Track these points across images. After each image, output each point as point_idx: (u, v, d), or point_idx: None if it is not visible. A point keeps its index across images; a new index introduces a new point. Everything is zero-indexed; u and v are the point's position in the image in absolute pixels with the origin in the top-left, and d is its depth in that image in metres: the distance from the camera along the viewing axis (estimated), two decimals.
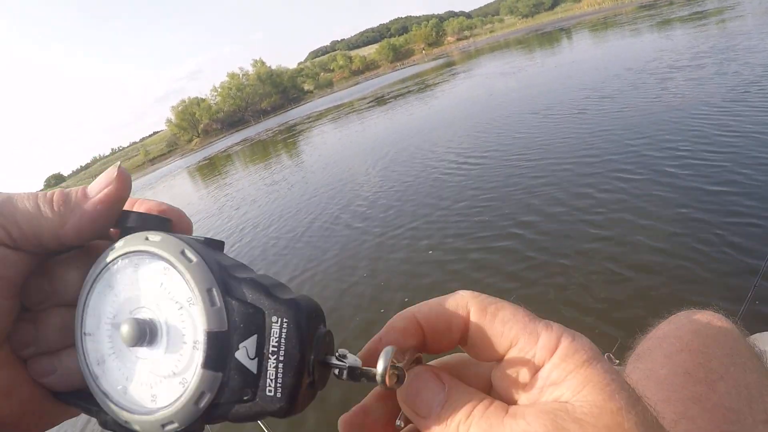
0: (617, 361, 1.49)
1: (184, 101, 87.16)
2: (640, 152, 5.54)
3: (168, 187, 27.77)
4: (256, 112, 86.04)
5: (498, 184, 6.19)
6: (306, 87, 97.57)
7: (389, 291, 4.45)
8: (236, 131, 72.29)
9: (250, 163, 22.15)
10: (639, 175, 4.96)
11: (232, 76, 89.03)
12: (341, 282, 4.96)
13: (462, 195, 6.26)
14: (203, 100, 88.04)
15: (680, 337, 0.73)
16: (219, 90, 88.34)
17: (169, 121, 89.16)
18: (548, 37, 35.31)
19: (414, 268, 4.75)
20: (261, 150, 26.76)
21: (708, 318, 0.74)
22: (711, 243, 3.47)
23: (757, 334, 1.63)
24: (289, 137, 26.80)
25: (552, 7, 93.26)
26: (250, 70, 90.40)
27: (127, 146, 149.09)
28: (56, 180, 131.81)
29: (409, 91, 26.79)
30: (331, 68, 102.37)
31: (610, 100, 8.68)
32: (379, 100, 27.73)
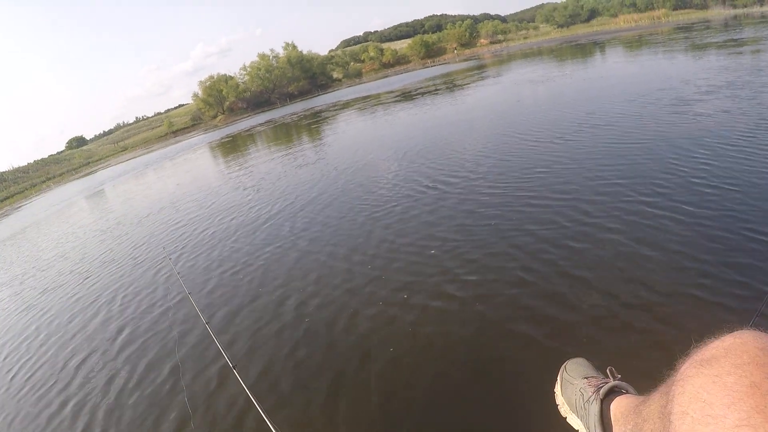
0: (618, 376, 1.56)
1: (213, 77, 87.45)
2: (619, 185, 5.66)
3: (186, 161, 28.09)
4: (282, 94, 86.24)
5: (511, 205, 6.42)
6: (335, 75, 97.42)
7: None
8: (261, 112, 72.71)
9: (272, 144, 22.39)
10: (603, 215, 5.08)
11: (263, 57, 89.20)
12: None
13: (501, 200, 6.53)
14: (231, 77, 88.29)
15: (747, 351, 0.74)
16: (248, 69, 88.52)
17: (195, 95, 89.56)
18: (581, 49, 35.13)
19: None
20: (284, 132, 26.98)
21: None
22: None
23: None
24: (313, 123, 27.03)
25: (588, 19, 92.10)
26: (281, 52, 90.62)
27: (152, 116, 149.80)
28: (78, 142, 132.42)
29: (437, 90, 26.85)
30: (362, 59, 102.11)
31: (614, 128, 8.73)
32: (407, 96, 27.84)
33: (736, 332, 0.80)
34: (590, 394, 1.57)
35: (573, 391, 1.72)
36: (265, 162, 16.07)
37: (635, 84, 12.84)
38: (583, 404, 1.59)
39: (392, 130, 15.36)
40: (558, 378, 1.90)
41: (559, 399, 1.84)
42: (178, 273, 6.49)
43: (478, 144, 9.89)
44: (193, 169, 22.37)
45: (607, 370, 1.58)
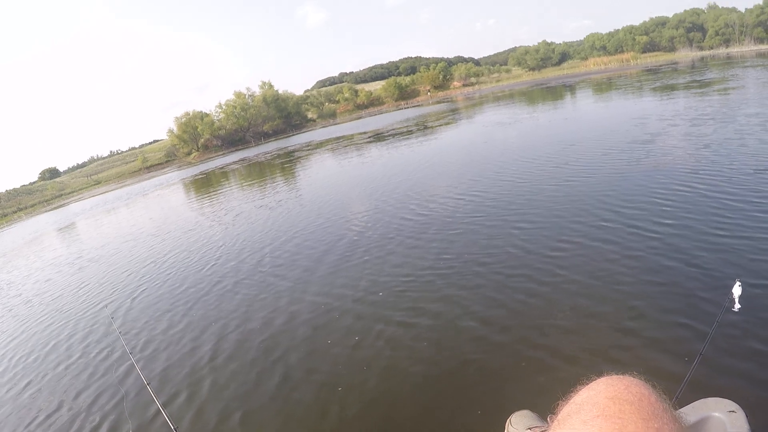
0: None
1: (188, 113, 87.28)
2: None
3: (159, 197, 27.72)
4: (257, 133, 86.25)
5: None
6: (309, 115, 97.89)
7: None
8: (235, 150, 72.65)
9: (244, 183, 22.23)
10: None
11: (239, 95, 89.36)
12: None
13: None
14: (207, 114, 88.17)
15: (597, 403, 0.73)
16: (224, 107, 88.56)
17: (170, 131, 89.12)
18: (551, 92, 35.89)
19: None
20: (257, 171, 26.85)
21: (626, 384, 0.75)
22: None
23: (700, 401, 1.66)
24: (286, 162, 26.96)
25: (559, 62, 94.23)
26: (257, 91, 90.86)
27: (126, 150, 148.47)
28: (51, 174, 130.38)
29: (409, 131, 27.03)
30: (337, 99, 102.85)
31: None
32: (379, 137, 27.98)
33: (591, 383, 0.81)
34: None
35: None
36: (239, 201, 15.88)
37: (617, 123, 13.11)
38: None
39: (363, 170, 15.34)
40: (505, 430, 1.97)
41: None
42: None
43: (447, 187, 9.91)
44: (166, 206, 22.03)
45: (548, 419, 1.63)
